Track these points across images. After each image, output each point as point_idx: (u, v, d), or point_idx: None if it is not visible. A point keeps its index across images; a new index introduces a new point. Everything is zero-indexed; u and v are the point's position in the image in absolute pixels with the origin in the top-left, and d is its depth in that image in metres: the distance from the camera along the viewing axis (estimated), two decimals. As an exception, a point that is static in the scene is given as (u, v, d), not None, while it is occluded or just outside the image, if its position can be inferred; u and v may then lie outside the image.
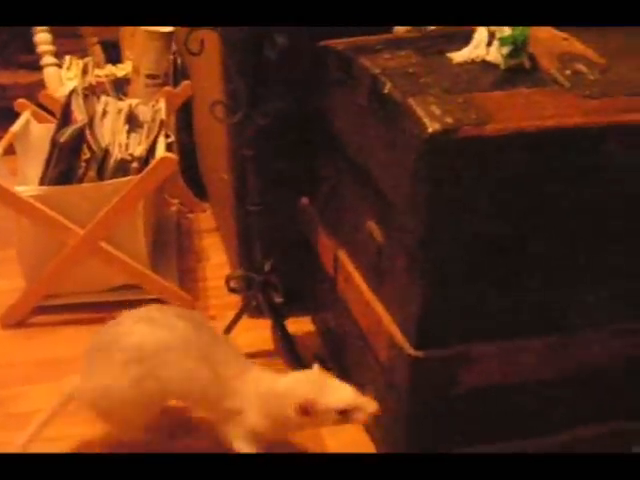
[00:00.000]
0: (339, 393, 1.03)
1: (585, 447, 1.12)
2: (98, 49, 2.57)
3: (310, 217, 1.41)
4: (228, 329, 1.50)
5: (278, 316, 1.49)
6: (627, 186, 0.93)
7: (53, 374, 1.49)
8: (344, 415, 1.02)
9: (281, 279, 1.44)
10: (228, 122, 1.31)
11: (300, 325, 1.58)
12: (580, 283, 0.99)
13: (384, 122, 0.97)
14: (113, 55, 2.53)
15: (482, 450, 1.08)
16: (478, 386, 1.02)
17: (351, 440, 1.30)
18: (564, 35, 1.06)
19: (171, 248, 1.85)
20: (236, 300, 1.63)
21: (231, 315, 1.53)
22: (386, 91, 0.95)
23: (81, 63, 2.17)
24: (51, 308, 1.66)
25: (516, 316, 1.00)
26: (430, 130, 0.86)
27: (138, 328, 1.16)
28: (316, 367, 1.08)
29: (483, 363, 1.01)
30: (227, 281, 1.46)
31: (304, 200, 1.46)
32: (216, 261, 1.89)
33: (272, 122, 1.25)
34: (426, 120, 0.87)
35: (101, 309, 1.68)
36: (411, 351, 1.00)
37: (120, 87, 2.11)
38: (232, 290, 1.47)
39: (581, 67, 0.98)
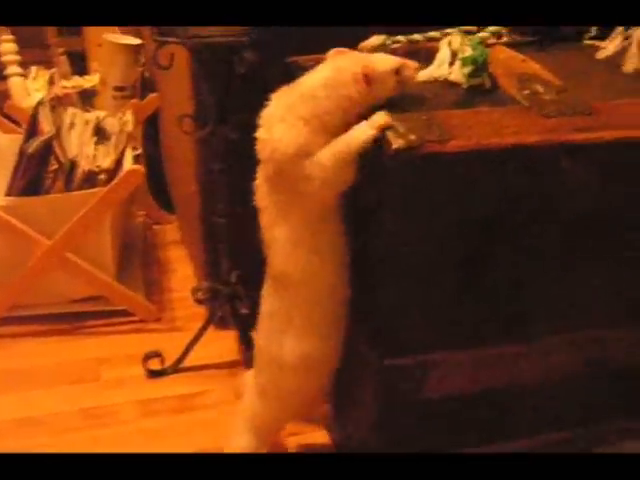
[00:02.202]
0: (383, 57, 1.00)
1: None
2: (64, 60, 2.56)
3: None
4: (194, 340, 1.52)
5: (244, 327, 1.50)
6: (582, 201, 0.97)
7: (14, 385, 1.50)
8: (398, 76, 0.97)
9: (247, 290, 1.45)
10: (196, 136, 1.33)
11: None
12: (540, 293, 1.03)
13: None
14: (79, 66, 2.53)
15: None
16: (444, 394, 1.05)
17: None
18: (522, 57, 1.11)
19: (137, 260, 1.86)
20: (201, 312, 1.65)
21: (196, 327, 1.54)
22: (352, 108, 0.97)
23: (47, 74, 2.17)
24: (15, 319, 1.65)
25: (480, 325, 1.03)
26: (395, 146, 0.89)
27: None
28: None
29: (446, 372, 1.04)
30: (194, 292, 1.47)
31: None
32: (182, 273, 1.90)
33: (241, 136, 1.27)
34: (391, 137, 0.90)
35: (65, 320, 1.69)
36: (378, 360, 1.03)
37: (87, 98, 2.12)
38: (199, 301, 1.49)
39: (538, 87, 1.02)
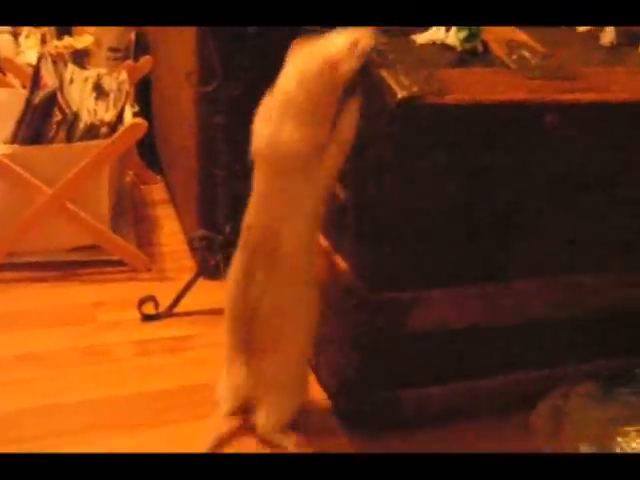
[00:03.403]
0: (337, 38, 1.06)
1: (518, 390, 1.27)
2: (50, 21, 2.60)
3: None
4: (187, 286, 1.60)
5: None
6: (563, 153, 1.10)
7: (12, 325, 1.56)
8: (357, 49, 1.04)
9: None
10: (203, 91, 1.41)
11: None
12: (519, 239, 1.15)
13: (357, 91, 1.10)
14: (62, 27, 2.57)
15: (428, 390, 1.22)
16: (425, 328, 1.17)
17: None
18: (511, 27, 1.22)
19: (128, 215, 1.93)
20: (191, 264, 1.74)
21: (186, 277, 1.63)
22: (360, 63, 1.08)
23: (39, 33, 2.22)
24: (12, 265, 1.71)
25: (459, 266, 1.15)
26: (400, 96, 1.00)
27: None
28: None
29: (429, 307, 1.15)
30: (191, 241, 1.56)
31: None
32: (169, 229, 1.98)
33: (244, 92, 1.37)
34: (396, 88, 1.01)
35: (60, 268, 1.75)
36: (367, 295, 1.14)
37: (78, 59, 2.17)
38: (195, 250, 1.58)
39: (525, 53, 1.14)
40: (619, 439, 1.15)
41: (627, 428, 1.21)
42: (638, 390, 1.30)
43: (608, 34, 1.23)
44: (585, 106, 1.07)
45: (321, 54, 1.05)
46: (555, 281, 1.19)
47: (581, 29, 1.28)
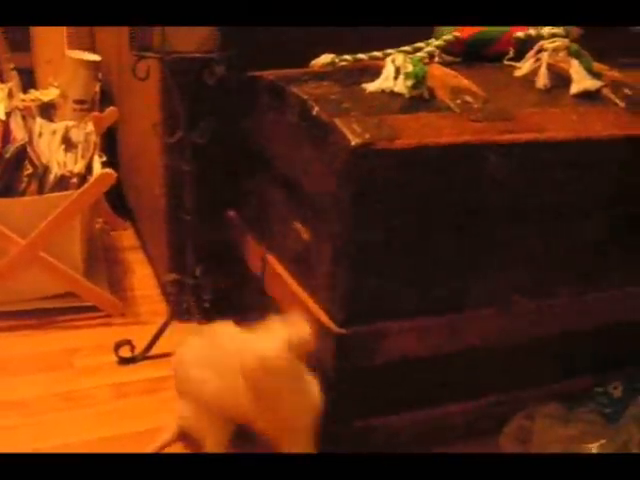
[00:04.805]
0: (271, 341, 1.11)
1: (486, 413, 1.35)
2: (15, 75, 2.66)
3: (238, 226, 1.60)
4: (162, 329, 1.65)
5: (207, 316, 1.65)
6: (505, 191, 1.18)
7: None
8: (293, 346, 1.10)
9: (211, 282, 1.61)
10: (168, 141, 1.49)
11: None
12: (473, 272, 1.23)
13: (312, 138, 1.18)
14: (27, 81, 2.63)
15: (400, 417, 1.29)
16: (394, 358, 1.23)
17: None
18: (454, 73, 1.32)
19: (100, 261, 1.98)
20: (163, 308, 1.79)
21: (159, 320, 1.68)
22: (315, 113, 1.16)
23: (6, 87, 2.27)
24: (-12, 315, 1.75)
25: (423, 299, 1.22)
26: (353, 143, 1.08)
27: None
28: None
29: (396, 338, 1.22)
30: (164, 285, 1.62)
31: (230, 211, 1.64)
32: (141, 273, 2.03)
33: (208, 140, 1.44)
34: (349, 135, 1.09)
35: (33, 316, 1.79)
36: (336, 329, 1.20)
37: (45, 111, 2.23)
38: (168, 293, 1.63)
39: (468, 98, 1.24)
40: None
41: (589, 445, 1.29)
42: (598, 408, 1.37)
43: (541, 78, 1.32)
44: (523, 145, 1.16)
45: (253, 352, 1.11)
46: (514, 307, 1.27)
47: (517, 73, 1.38)
